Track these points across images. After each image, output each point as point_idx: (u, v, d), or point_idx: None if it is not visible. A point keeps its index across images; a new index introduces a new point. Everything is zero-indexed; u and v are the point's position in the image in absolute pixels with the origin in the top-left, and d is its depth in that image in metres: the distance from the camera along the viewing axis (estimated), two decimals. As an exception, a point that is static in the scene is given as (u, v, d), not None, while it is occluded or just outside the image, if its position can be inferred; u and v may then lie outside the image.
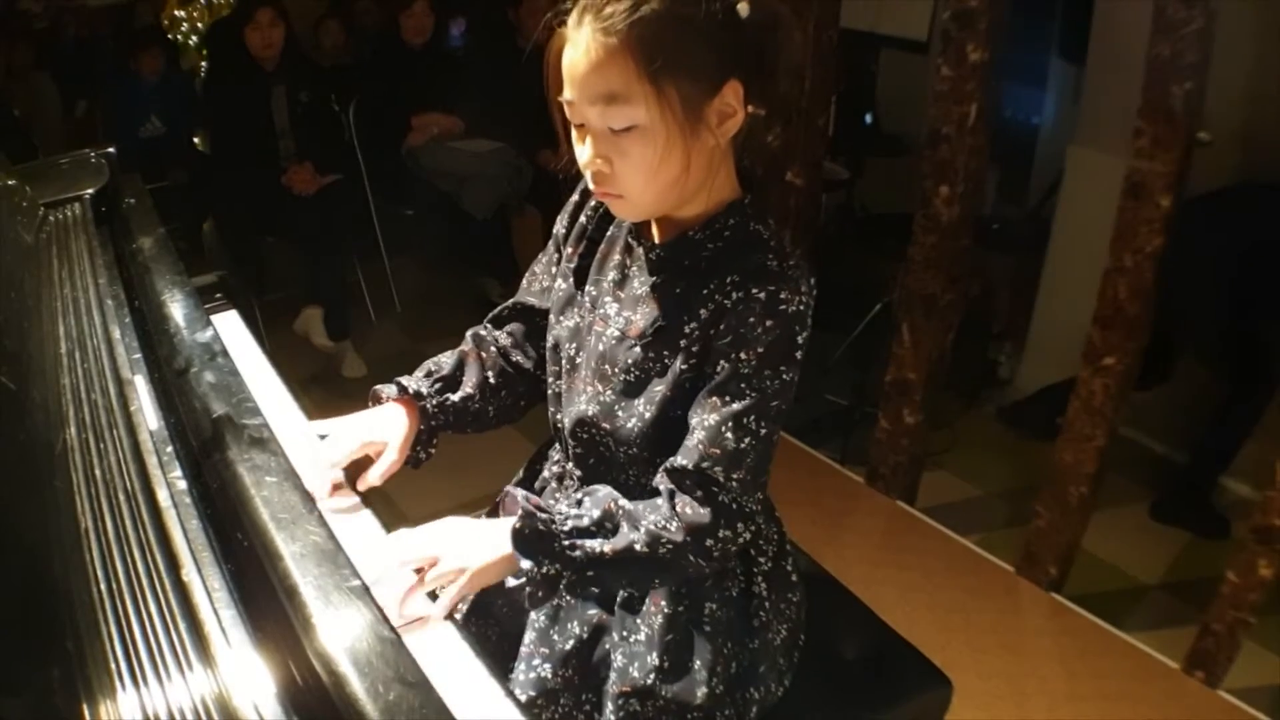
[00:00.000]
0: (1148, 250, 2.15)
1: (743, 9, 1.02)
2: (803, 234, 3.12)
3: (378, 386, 1.32)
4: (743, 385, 1.05)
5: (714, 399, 1.06)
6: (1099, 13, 3.05)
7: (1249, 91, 2.73)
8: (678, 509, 1.07)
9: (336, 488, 1.23)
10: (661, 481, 1.10)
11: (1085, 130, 3.23)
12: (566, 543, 1.06)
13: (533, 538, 1.07)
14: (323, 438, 1.26)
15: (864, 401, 3.25)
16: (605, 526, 1.07)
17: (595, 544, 1.06)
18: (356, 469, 1.27)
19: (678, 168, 1.05)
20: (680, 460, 1.07)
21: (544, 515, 1.08)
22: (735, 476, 1.06)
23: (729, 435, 1.05)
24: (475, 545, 1.09)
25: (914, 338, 2.72)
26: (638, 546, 1.06)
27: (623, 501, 1.09)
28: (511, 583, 1.09)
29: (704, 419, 1.07)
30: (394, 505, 2.48)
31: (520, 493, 1.12)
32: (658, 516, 1.07)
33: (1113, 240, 2.21)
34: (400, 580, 1.06)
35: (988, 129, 2.46)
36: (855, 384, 3.34)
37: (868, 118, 4.15)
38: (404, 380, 1.31)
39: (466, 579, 1.07)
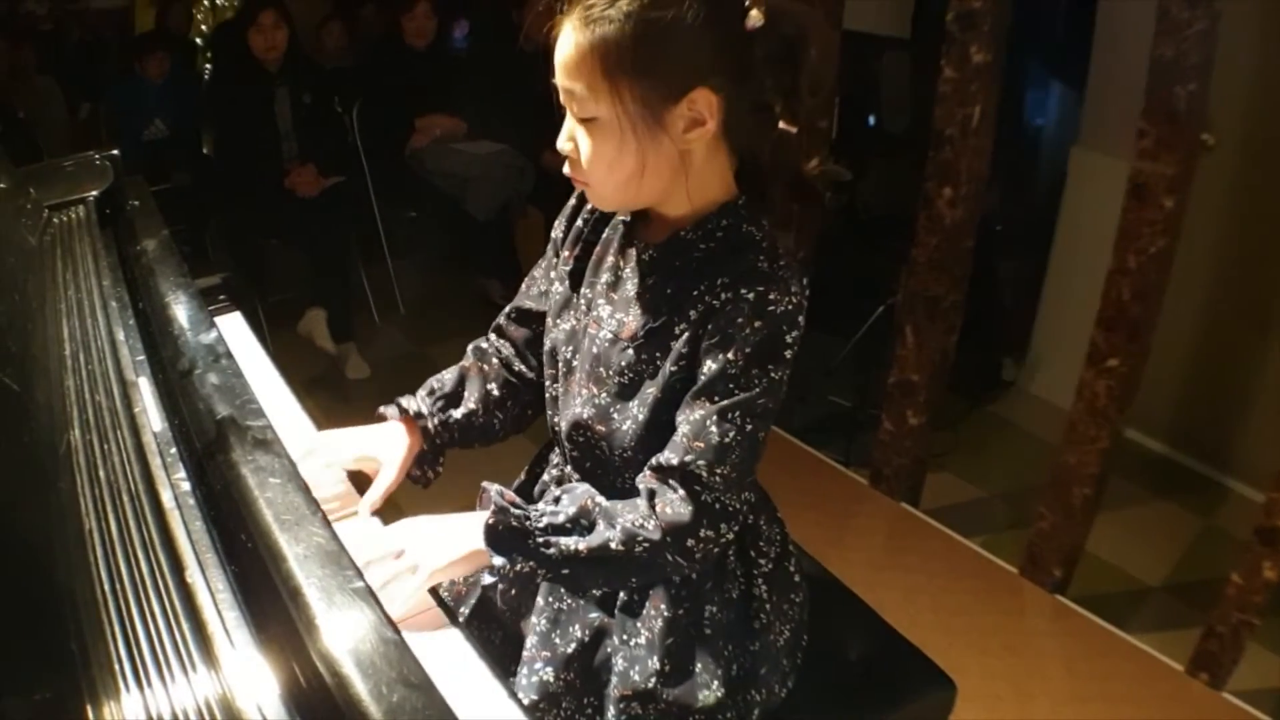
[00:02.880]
0: (1151, 252, 2.14)
1: (754, 17, 1.00)
2: (805, 236, 3.11)
3: (381, 408, 1.32)
4: (730, 384, 1.05)
5: (701, 399, 1.06)
6: (1102, 14, 3.05)
7: (1254, 94, 2.73)
8: (657, 508, 1.06)
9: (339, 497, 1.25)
10: (644, 480, 1.09)
11: (1089, 132, 3.22)
12: (541, 540, 1.07)
13: (506, 534, 1.07)
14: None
15: (867, 403, 3.25)
16: (581, 524, 1.07)
17: (570, 541, 1.06)
18: (357, 484, 1.28)
19: (632, 166, 1.05)
20: (664, 457, 1.07)
21: (518, 512, 1.08)
22: (719, 472, 1.05)
23: (713, 429, 1.05)
24: (442, 542, 1.09)
25: (917, 339, 2.72)
26: (613, 545, 1.05)
27: (599, 499, 1.10)
28: (487, 580, 1.09)
29: (689, 415, 1.07)
30: (398, 506, 2.47)
31: (495, 488, 1.12)
32: (635, 515, 1.06)
33: (1116, 241, 2.21)
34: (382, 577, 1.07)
35: (991, 130, 2.46)
36: (858, 386, 3.33)
37: (871, 119, 4.14)
38: (404, 401, 1.32)
39: (427, 576, 1.07)
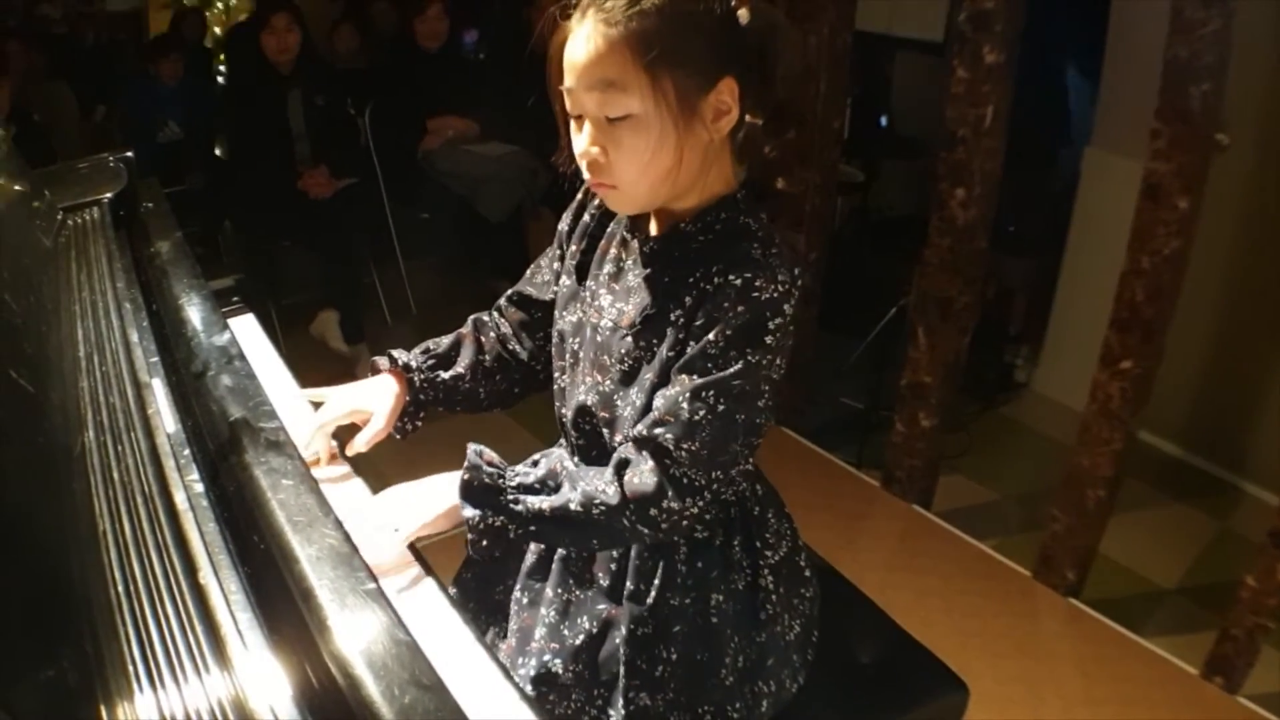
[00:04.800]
0: (1165, 253, 2.13)
1: (743, 15, 1.05)
2: (818, 237, 3.11)
3: (375, 358, 1.38)
4: (707, 363, 1.07)
5: (680, 375, 1.08)
6: (1116, 14, 3.04)
7: (1268, 93, 2.72)
8: (625, 477, 1.08)
9: (332, 456, 1.33)
10: (620, 449, 1.12)
11: (1102, 133, 3.21)
12: (511, 497, 1.12)
13: (479, 489, 1.12)
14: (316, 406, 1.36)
15: (879, 405, 3.25)
16: (548, 484, 1.12)
17: (536, 500, 1.10)
18: (346, 436, 1.34)
19: (670, 160, 1.07)
20: (639, 427, 1.09)
21: (491, 470, 1.13)
22: (686, 447, 1.06)
23: (684, 405, 1.06)
24: (421, 500, 1.16)
25: (930, 341, 2.71)
26: (573, 506, 1.09)
27: (568, 462, 1.14)
28: (469, 534, 1.12)
29: (666, 391, 1.09)
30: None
31: (474, 447, 1.15)
32: (600, 481, 1.09)
33: (1130, 242, 2.20)
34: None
35: (1004, 131, 2.46)
36: (871, 387, 3.33)
37: (883, 120, 4.14)
38: (396, 353, 1.37)
39: (409, 532, 1.14)
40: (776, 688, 1.24)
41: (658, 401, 1.09)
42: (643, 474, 1.07)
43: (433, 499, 1.16)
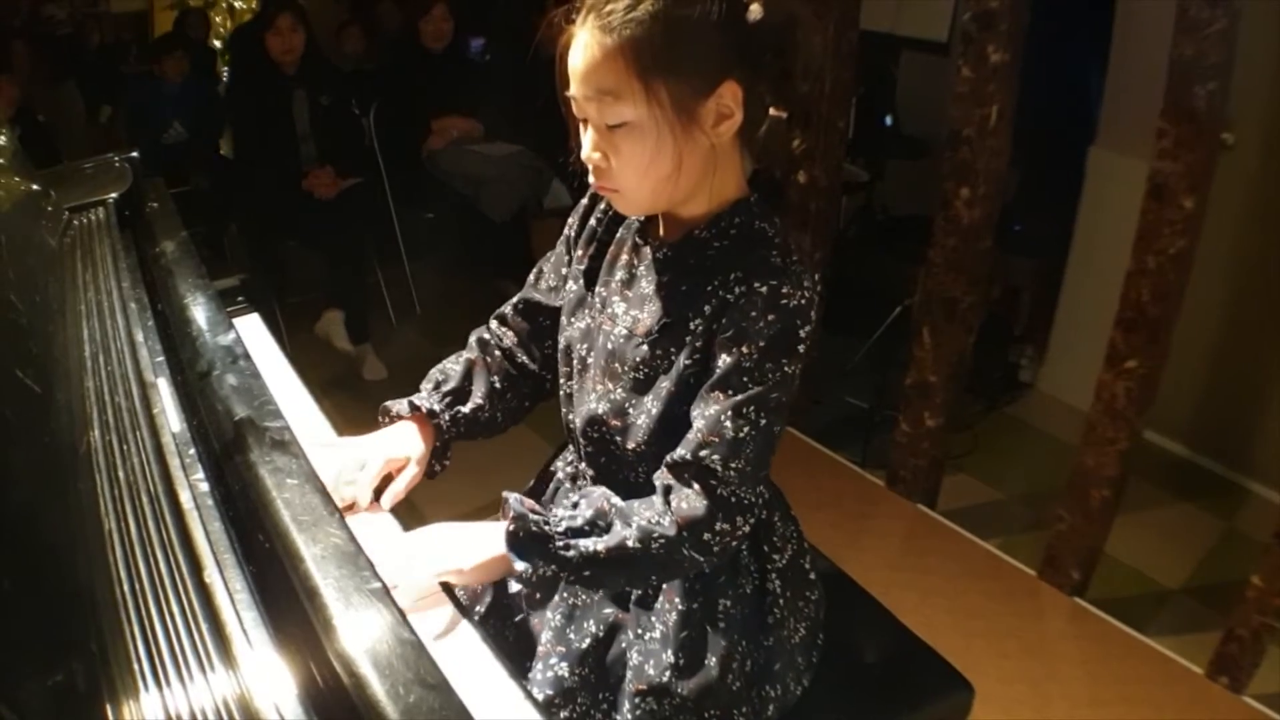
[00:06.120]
0: (1171, 252, 2.13)
1: (755, 11, 1.02)
2: (823, 237, 3.11)
3: (388, 403, 1.33)
4: (744, 378, 1.06)
5: (715, 392, 1.07)
6: (1121, 13, 3.03)
7: (1274, 93, 2.71)
8: (673, 504, 1.07)
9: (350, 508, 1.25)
10: (660, 477, 1.10)
11: (1107, 132, 3.21)
12: (561, 543, 1.07)
13: (527, 540, 1.08)
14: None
15: (884, 404, 3.24)
16: (598, 525, 1.08)
17: (589, 543, 1.07)
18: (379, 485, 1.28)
19: (669, 165, 1.06)
20: (679, 453, 1.08)
21: (537, 517, 1.09)
22: (734, 466, 1.06)
23: (728, 424, 1.05)
24: (462, 546, 1.12)
25: (934, 340, 2.71)
26: (630, 543, 1.06)
27: (615, 500, 1.10)
28: (514, 587, 1.09)
29: (704, 410, 1.08)
30: (416, 510, 2.48)
31: (514, 496, 1.12)
32: (651, 513, 1.07)
33: (1135, 242, 2.20)
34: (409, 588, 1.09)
35: (1008, 130, 2.45)
36: (876, 387, 3.32)
37: (888, 119, 4.13)
38: (416, 399, 1.33)
39: (442, 571, 1.10)
40: (782, 691, 1.24)
41: (697, 423, 1.07)
42: (690, 499, 1.06)
43: (475, 546, 1.12)
